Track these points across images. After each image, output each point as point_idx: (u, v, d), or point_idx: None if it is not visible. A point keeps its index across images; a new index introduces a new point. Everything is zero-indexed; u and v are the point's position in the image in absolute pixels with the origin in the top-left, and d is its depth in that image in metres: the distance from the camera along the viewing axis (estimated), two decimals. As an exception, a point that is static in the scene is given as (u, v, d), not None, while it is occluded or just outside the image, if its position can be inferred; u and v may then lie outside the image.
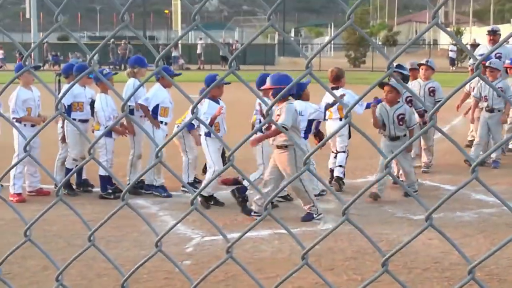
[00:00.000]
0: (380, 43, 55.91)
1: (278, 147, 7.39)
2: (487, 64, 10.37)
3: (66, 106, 8.59)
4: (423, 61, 10.26)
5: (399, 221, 7.52)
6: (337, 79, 8.88)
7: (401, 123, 8.56)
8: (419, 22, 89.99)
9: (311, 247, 1.49)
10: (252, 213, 7.48)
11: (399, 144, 8.29)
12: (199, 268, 5.81)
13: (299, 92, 8.10)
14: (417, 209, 7.76)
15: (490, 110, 10.46)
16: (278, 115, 7.22)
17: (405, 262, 6.04)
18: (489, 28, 12.87)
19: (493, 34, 12.18)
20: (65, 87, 10.29)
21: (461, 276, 5.74)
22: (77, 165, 8.53)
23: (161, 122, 8.65)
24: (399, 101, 8.60)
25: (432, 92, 10.05)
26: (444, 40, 60.49)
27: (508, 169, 10.46)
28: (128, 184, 2.13)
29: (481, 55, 11.89)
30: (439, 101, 9.94)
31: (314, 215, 7.44)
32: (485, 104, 10.51)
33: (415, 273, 5.81)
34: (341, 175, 8.94)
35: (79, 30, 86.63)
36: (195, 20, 1.48)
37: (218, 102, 8.18)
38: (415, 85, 10.13)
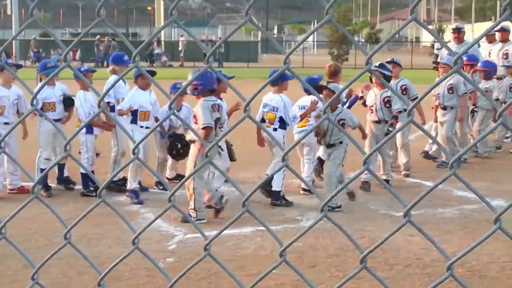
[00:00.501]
0: (362, 40, 56.08)
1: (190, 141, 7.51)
2: (439, 60, 10.54)
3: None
4: (388, 60, 9.89)
5: (381, 218, 7.54)
6: (334, 74, 8.97)
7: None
8: (401, 20, 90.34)
9: (289, 245, 1.49)
10: None
11: (332, 151, 8.00)
12: (182, 265, 5.79)
13: (278, 82, 8.05)
14: (399, 206, 7.75)
15: (443, 107, 10.36)
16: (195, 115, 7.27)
17: (386, 258, 6.06)
18: (453, 26, 12.89)
19: (457, 32, 12.23)
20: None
21: (442, 272, 5.70)
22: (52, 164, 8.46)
23: (141, 126, 8.30)
24: (338, 107, 8.08)
25: (404, 90, 9.81)
26: (427, 38, 60.81)
27: (489, 165, 10.54)
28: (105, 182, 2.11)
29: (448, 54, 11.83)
30: (414, 99, 9.94)
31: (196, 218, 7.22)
32: (436, 102, 10.48)
33: (397, 270, 5.83)
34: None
35: (61, 26, 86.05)
36: (172, 15, 1.46)
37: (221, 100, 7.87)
38: (371, 95, 9.49)
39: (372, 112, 9.16)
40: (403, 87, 9.86)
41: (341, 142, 8.12)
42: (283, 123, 8.17)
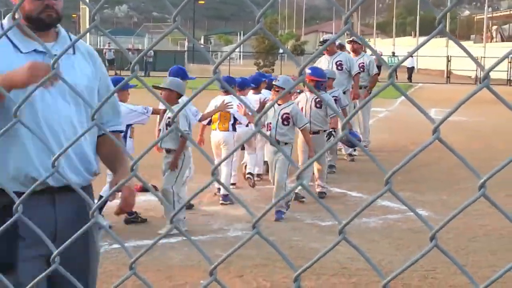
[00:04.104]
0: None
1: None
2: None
3: None
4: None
5: (308, 228, 7.61)
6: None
7: (285, 122, 8.04)
8: (325, 32, 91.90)
9: (221, 262, 1.46)
10: None
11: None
12: (107, 276, 5.66)
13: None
14: (325, 216, 7.87)
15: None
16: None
17: (313, 268, 6.10)
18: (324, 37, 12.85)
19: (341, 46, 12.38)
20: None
21: (367, 281, 5.87)
22: None
23: None
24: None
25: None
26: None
27: (411, 176, 10.78)
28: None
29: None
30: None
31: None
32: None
33: (323, 279, 5.89)
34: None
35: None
36: (94, 20, 1.43)
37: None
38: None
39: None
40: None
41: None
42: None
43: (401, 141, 14.49)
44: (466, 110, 12.85)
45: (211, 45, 79.91)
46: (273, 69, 44.77)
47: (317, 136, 8.92)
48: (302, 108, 8.78)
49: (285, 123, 8.01)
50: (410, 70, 42.75)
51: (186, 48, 54.81)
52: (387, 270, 6.05)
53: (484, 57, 38.82)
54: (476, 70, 41.09)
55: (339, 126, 10.20)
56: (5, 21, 2.92)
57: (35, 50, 2.83)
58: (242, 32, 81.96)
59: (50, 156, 2.45)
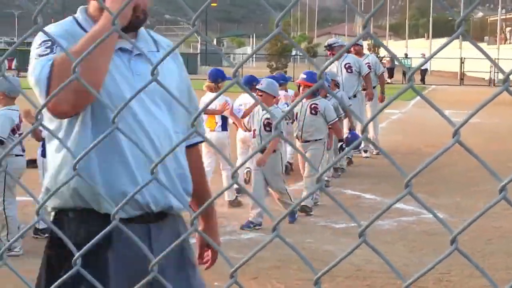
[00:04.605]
0: (301, 54, 56.63)
1: None
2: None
3: None
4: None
5: (321, 230, 7.59)
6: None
7: (267, 128, 7.77)
8: (338, 35, 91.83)
9: (242, 264, 1.45)
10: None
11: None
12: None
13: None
14: (339, 218, 7.86)
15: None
16: None
17: (328, 270, 6.09)
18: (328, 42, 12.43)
19: (331, 49, 11.81)
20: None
21: (382, 283, 5.84)
22: None
23: None
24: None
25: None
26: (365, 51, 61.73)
27: (426, 178, 10.72)
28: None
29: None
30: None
31: None
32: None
33: (338, 281, 5.87)
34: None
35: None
36: (115, 24, 1.42)
37: None
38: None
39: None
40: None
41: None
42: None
43: (415, 144, 14.41)
44: (482, 112, 12.66)
45: (223, 48, 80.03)
46: (286, 71, 44.84)
47: (307, 145, 8.35)
48: (296, 115, 8.35)
49: (267, 128, 7.72)
50: (423, 72, 42.59)
51: (199, 51, 54.92)
52: (402, 273, 6.01)
53: (498, 59, 38.61)
54: (490, 72, 40.88)
55: (345, 130, 10.15)
56: (78, 14, 2.54)
57: (120, 49, 2.43)
58: (254, 34, 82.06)
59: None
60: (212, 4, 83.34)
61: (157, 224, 2.41)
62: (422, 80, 41.36)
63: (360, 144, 9.87)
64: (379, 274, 5.99)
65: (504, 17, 57.72)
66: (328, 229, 7.59)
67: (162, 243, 2.35)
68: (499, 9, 59.26)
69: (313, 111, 8.36)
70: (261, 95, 7.67)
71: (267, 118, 7.73)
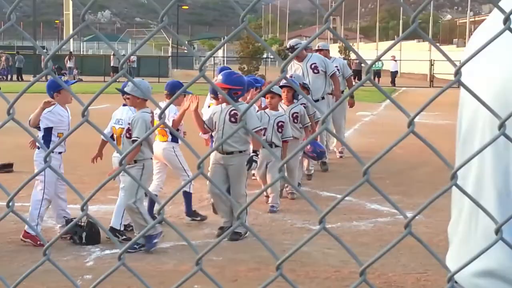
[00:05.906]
0: (271, 57, 56.77)
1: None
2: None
3: None
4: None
5: (299, 231, 7.65)
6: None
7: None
8: (308, 37, 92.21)
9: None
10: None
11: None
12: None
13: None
14: (316, 219, 7.87)
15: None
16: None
17: (306, 271, 6.15)
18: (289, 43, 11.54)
19: (293, 51, 11.59)
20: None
21: (361, 285, 5.90)
22: None
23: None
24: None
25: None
26: (335, 53, 62.12)
27: (399, 179, 10.84)
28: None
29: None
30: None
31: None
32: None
33: (317, 282, 5.93)
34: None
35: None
36: (84, 20, 1.44)
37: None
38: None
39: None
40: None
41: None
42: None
43: (387, 144, 14.21)
44: (452, 114, 12.87)
45: (194, 50, 79.85)
46: (256, 74, 44.94)
47: (229, 157, 7.27)
48: (215, 123, 7.29)
49: (232, 119, 7.25)
50: (394, 74, 42.96)
51: (170, 54, 54.77)
52: (379, 273, 6.11)
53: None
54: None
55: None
56: None
57: None
58: (225, 37, 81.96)
59: None
60: (183, 7, 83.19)
61: None
62: (393, 82, 41.73)
63: (325, 153, 9.81)
64: (357, 275, 6.04)
65: (473, 19, 58.43)
66: (306, 230, 7.65)
67: None
68: (468, 12, 60.04)
69: (232, 119, 7.22)
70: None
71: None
